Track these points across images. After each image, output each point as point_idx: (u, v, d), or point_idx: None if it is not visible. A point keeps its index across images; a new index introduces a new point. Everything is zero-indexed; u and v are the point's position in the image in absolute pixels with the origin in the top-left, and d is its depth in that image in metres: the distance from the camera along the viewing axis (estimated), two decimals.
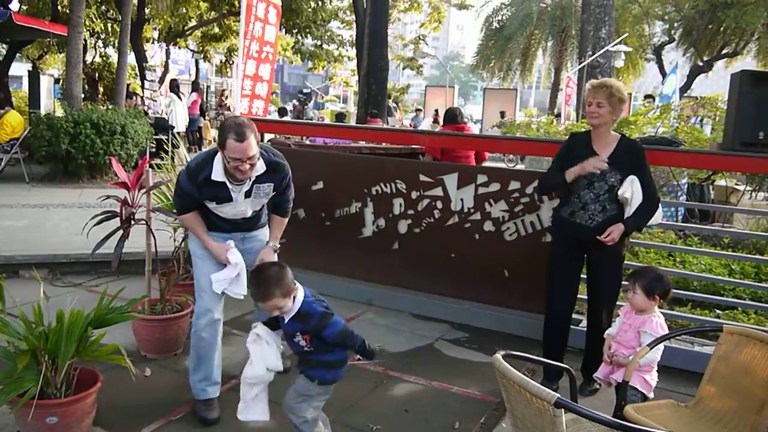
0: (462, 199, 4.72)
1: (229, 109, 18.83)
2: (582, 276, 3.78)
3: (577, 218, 3.54)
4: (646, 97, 11.01)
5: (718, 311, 4.72)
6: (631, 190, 3.40)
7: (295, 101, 20.22)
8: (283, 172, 3.28)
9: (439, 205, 4.81)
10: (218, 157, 3.06)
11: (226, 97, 21.81)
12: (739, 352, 2.66)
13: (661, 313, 3.18)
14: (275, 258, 3.33)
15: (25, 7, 18.83)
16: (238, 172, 2.99)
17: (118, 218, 3.90)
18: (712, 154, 4.65)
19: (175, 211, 3.43)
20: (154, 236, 4.03)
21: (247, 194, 3.19)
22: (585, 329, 3.88)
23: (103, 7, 19.16)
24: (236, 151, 2.90)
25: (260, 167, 3.12)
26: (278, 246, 3.44)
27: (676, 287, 4.65)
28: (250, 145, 2.92)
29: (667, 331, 3.00)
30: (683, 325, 4.26)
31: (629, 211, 3.42)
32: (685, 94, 17.62)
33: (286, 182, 3.35)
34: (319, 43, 22.26)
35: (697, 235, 5.96)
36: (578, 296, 3.84)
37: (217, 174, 3.06)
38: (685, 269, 5.30)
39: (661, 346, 2.93)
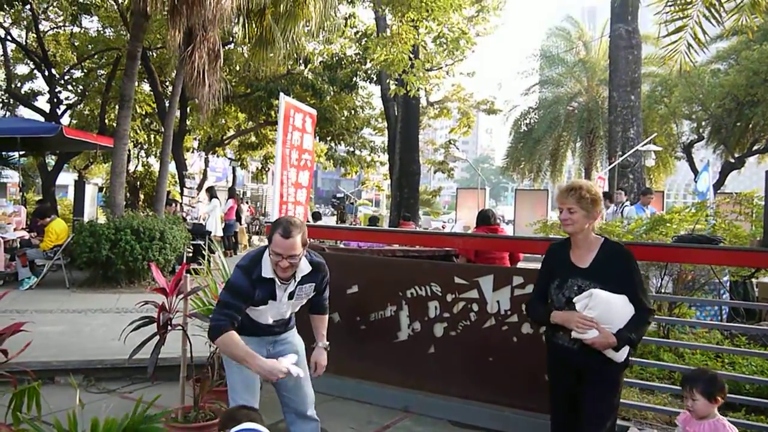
0: (498, 301, 4.65)
1: None
2: None
3: (559, 339, 3.14)
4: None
5: None
6: (590, 307, 2.94)
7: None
8: (324, 271, 3.40)
9: (475, 307, 4.74)
10: (266, 256, 3.17)
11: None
12: None
13: None
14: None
15: (74, 121, 20.05)
16: (278, 269, 3.08)
17: (155, 323, 3.93)
18: (752, 251, 4.57)
19: (209, 331, 3.14)
20: (190, 342, 4.04)
21: (290, 296, 3.26)
22: None
23: (147, 120, 20.28)
24: (280, 246, 3.00)
25: (305, 267, 3.23)
26: (328, 344, 3.53)
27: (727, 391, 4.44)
28: (295, 245, 3.01)
29: None
30: None
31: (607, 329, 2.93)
32: (719, 191, 17.51)
33: (326, 282, 3.46)
34: (351, 149, 22.97)
35: (745, 335, 5.75)
36: None
37: (267, 271, 3.15)
38: (735, 371, 5.06)
39: None
